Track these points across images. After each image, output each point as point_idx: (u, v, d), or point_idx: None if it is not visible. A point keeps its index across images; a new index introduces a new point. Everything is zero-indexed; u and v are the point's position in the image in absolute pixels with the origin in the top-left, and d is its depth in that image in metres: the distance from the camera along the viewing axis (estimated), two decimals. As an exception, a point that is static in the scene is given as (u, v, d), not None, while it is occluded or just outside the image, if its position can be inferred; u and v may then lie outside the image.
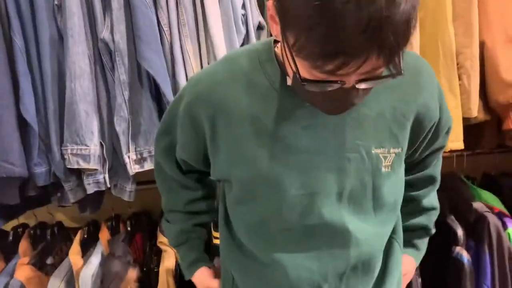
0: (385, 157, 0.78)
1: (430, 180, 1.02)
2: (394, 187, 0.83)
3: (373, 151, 0.77)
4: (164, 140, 0.94)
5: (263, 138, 0.76)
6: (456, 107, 1.30)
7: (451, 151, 1.40)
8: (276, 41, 0.77)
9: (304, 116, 0.75)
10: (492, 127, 1.49)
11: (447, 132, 0.94)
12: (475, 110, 1.34)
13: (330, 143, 0.75)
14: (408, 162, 0.93)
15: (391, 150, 0.78)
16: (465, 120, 1.35)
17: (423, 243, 1.05)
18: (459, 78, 1.32)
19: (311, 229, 0.79)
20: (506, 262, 1.35)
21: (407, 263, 1.01)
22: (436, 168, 1.02)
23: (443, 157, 1.59)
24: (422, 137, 0.84)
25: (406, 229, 1.01)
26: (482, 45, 1.33)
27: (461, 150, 1.43)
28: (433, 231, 1.06)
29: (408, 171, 0.94)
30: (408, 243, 1.03)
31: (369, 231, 0.82)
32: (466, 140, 1.36)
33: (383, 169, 0.78)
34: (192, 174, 0.98)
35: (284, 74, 0.75)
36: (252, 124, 0.76)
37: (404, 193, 0.91)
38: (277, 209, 0.78)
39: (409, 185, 0.97)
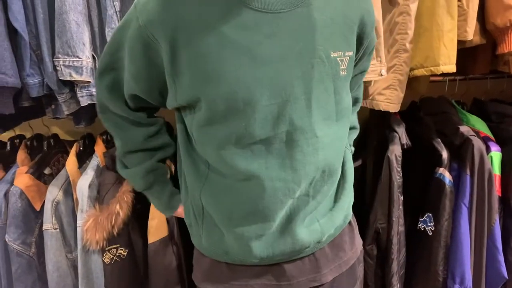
0: (341, 60, 0.81)
1: (354, 100, 1.07)
2: (348, 92, 0.88)
3: (331, 55, 0.79)
4: (108, 77, 0.89)
5: (228, 51, 0.75)
6: (451, 29, 1.28)
7: (443, 75, 1.41)
8: None
9: (266, 24, 0.75)
10: (486, 52, 1.48)
11: (370, 53, 0.97)
12: (471, 33, 1.33)
13: (293, 50, 0.76)
14: None
15: (346, 53, 0.82)
16: (460, 43, 1.34)
17: None
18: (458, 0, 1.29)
19: (283, 137, 0.81)
20: (485, 184, 1.41)
21: None
22: (359, 90, 1.08)
23: (436, 81, 1.63)
24: (364, 45, 0.89)
25: None
26: (483, -35, 1.29)
27: (454, 74, 1.43)
28: (352, 149, 1.10)
29: None
30: None
31: (332, 135, 0.85)
32: (459, 65, 1.35)
33: (341, 73, 0.82)
34: (141, 112, 0.95)
35: None
36: (214, 37, 0.74)
37: None
38: (249, 122, 0.78)
39: None
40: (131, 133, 0.97)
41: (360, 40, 0.86)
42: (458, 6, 1.29)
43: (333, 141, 0.86)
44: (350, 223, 1.01)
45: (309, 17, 0.77)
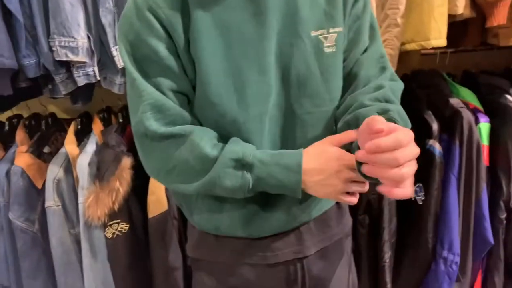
0: (325, 38, 0.83)
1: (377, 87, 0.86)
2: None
3: (312, 34, 0.82)
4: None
5: (222, 29, 0.79)
6: (442, 4, 1.29)
7: (434, 48, 1.43)
8: None
9: (253, 5, 0.78)
10: (476, 24, 1.50)
11: (373, 33, 0.92)
12: (462, 7, 1.34)
13: (275, 30, 0.80)
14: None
15: (331, 30, 0.83)
16: (451, 17, 1.35)
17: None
18: (448, -26, 1.30)
19: (266, 115, 0.83)
20: (474, 154, 1.45)
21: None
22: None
23: (427, 54, 1.65)
24: (349, 11, 0.86)
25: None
26: None
27: (445, 47, 1.45)
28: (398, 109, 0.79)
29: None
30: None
31: (320, 113, 0.87)
32: (450, 38, 1.37)
33: (326, 50, 0.83)
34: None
35: None
36: (210, 16, 0.78)
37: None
38: (242, 98, 0.81)
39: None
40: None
41: (345, 5, 0.86)
42: (449, -20, 1.30)
43: (320, 119, 0.87)
44: (337, 202, 1.01)
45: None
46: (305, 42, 0.82)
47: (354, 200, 0.79)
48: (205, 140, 0.79)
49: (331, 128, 0.91)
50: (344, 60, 0.89)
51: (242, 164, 0.78)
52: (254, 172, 0.78)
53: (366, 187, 0.78)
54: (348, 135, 0.78)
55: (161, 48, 0.78)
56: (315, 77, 0.84)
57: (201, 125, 0.85)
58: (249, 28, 0.79)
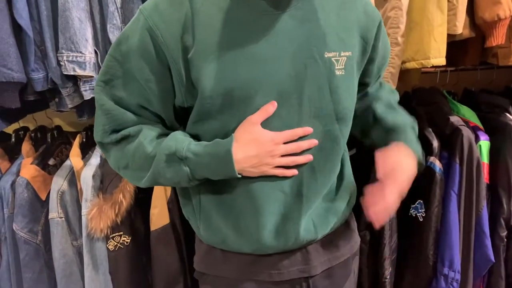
0: (337, 61, 0.85)
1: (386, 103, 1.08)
2: (350, 91, 0.90)
3: (325, 55, 0.84)
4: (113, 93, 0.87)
5: (227, 49, 0.80)
6: (441, 24, 1.32)
7: (435, 66, 1.45)
8: None
9: (264, 25, 0.80)
10: (476, 44, 1.52)
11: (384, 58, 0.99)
12: (461, 27, 1.37)
13: (288, 50, 0.81)
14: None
15: (342, 54, 0.86)
16: (450, 36, 1.38)
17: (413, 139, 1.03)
18: (448, -5, 1.33)
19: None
20: (474, 172, 1.46)
21: (393, 154, 0.95)
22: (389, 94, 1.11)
23: (428, 73, 1.68)
24: (372, 44, 0.91)
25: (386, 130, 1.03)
26: (472, -39, 1.33)
27: (445, 66, 1.48)
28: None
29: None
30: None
31: (324, 133, 0.88)
32: (450, 57, 1.40)
33: (337, 72, 0.86)
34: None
35: None
36: (215, 35, 0.80)
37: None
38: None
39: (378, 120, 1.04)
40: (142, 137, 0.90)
41: (364, 44, 0.89)
42: (448, 1, 1.33)
43: (323, 140, 0.89)
44: (347, 221, 1.02)
45: (303, 19, 0.82)
46: (318, 63, 0.84)
47: (285, 171, 0.86)
48: (148, 138, 0.85)
49: (337, 146, 0.93)
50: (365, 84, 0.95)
51: (178, 158, 0.82)
52: (189, 164, 0.83)
53: (297, 159, 0.86)
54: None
55: (146, 71, 0.83)
56: (325, 98, 0.86)
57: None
58: (260, 50, 0.80)
